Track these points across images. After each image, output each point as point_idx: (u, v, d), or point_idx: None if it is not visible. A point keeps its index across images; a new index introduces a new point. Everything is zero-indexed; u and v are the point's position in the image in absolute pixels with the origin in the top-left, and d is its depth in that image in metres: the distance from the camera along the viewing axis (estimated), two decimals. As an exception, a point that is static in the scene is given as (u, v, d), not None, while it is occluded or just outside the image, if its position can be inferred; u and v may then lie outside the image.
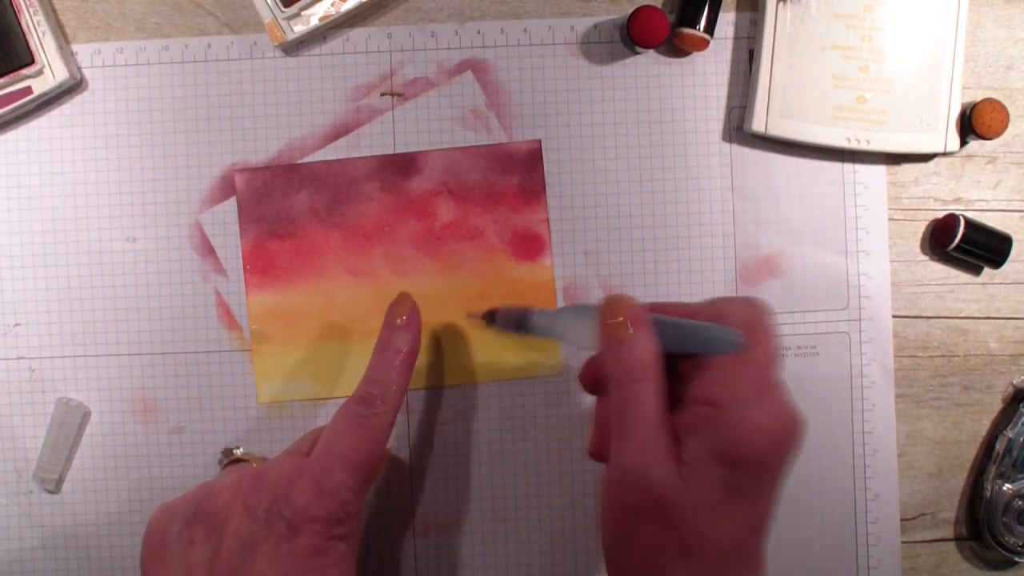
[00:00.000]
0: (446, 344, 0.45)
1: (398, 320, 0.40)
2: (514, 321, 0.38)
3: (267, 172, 0.45)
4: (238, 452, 0.44)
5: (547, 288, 0.46)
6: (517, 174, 0.45)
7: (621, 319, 0.33)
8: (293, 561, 0.34)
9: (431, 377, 0.46)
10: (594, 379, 0.37)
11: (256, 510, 0.35)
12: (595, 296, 0.46)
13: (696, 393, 0.33)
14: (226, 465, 0.43)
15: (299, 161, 0.46)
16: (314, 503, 0.35)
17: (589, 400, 0.46)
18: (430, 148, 0.46)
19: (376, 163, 0.45)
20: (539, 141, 0.46)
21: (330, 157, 0.46)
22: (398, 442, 0.46)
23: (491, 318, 0.39)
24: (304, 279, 0.45)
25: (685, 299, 0.46)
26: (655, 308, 0.35)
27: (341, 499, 0.35)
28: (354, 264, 0.45)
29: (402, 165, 0.45)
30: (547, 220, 0.46)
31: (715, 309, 0.35)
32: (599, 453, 0.36)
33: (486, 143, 0.46)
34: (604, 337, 0.34)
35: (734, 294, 0.46)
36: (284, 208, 0.45)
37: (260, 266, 0.45)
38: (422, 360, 0.45)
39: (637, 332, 0.33)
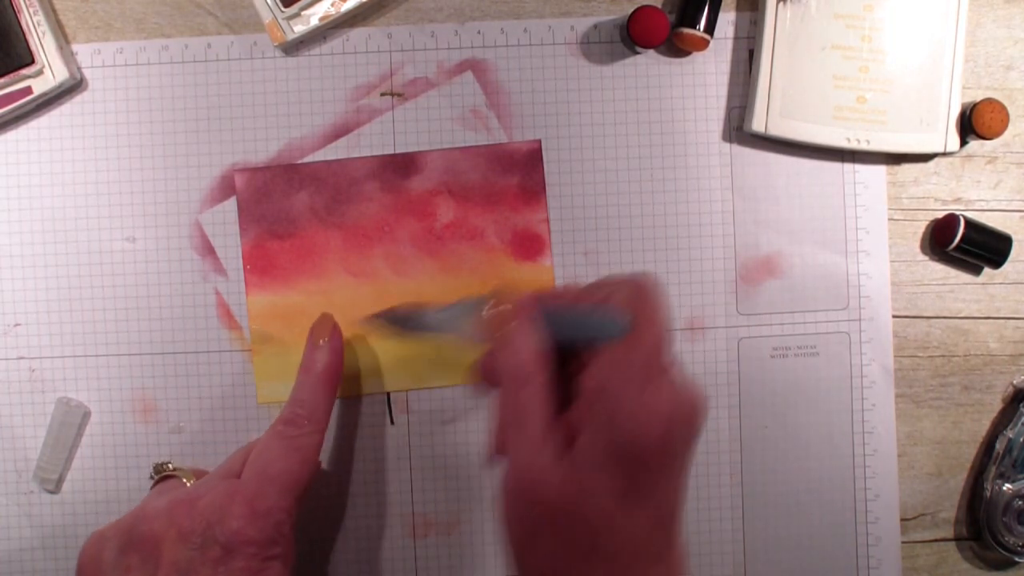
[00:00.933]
0: (445, 345, 0.45)
1: (320, 341, 0.41)
2: (401, 321, 0.38)
3: (267, 172, 0.45)
4: (169, 467, 0.42)
5: (547, 288, 0.46)
6: (517, 174, 0.45)
7: (502, 315, 0.32)
8: None
9: (430, 378, 0.46)
10: (488, 375, 0.35)
11: (191, 536, 0.35)
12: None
13: (586, 384, 0.31)
14: (157, 482, 0.42)
15: (299, 161, 0.46)
16: (248, 526, 0.35)
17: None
18: (430, 148, 0.46)
19: (376, 163, 0.45)
20: (539, 141, 0.46)
21: (330, 157, 0.46)
22: (399, 442, 0.46)
23: (388, 319, 0.39)
24: (304, 279, 0.45)
25: (684, 298, 0.46)
26: (540, 298, 0.34)
27: (275, 520, 0.36)
28: (354, 264, 0.45)
29: (402, 165, 0.45)
30: (547, 220, 0.46)
31: (600, 292, 0.33)
32: (501, 451, 0.33)
33: (486, 143, 0.46)
34: (488, 335, 0.33)
35: (737, 310, 0.46)
36: (284, 208, 0.45)
37: (260, 266, 0.45)
38: (421, 361, 0.45)
39: (520, 328, 0.32)
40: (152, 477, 0.43)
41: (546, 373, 0.32)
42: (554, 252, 0.46)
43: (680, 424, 0.30)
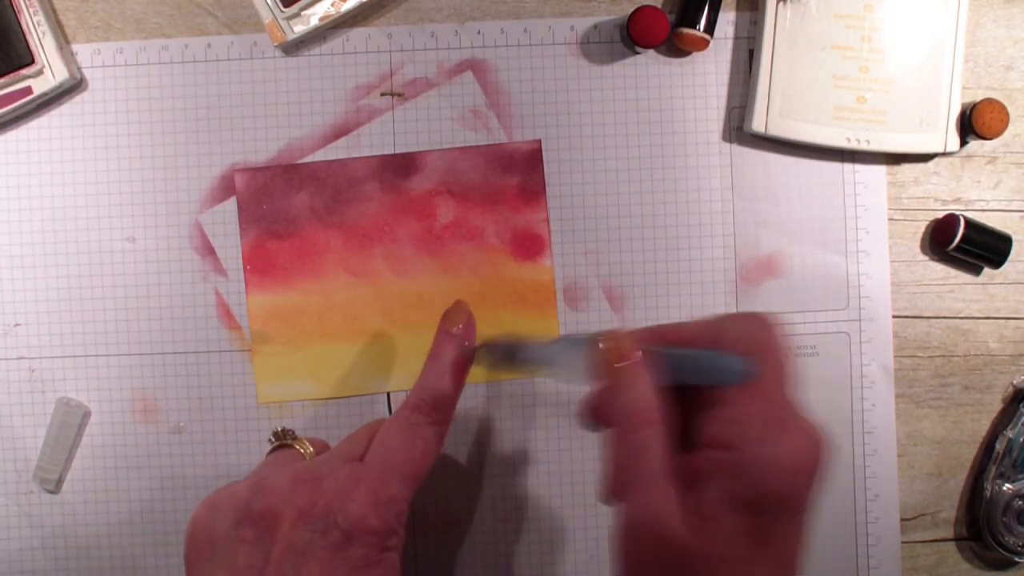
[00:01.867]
0: None
1: (453, 329, 0.39)
2: (503, 354, 0.37)
3: (267, 172, 0.45)
4: (291, 436, 0.40)
5: (547, 288, 0.46)
6: (517, 174, 0.45)
7: (616, 358, 0.31)
8: (347, 572, 0.33)
9: None
10: (596, 417, 0.34)
11: (311, 518, 0.34)
12: (595, 296, 0.46)
13: (708, 434, 0.31)
14: (275, 448, 0.40)
15: (299, 161, 0.46)
16: (371, 514, 0.34)
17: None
18: (430, 148, 0.46)
19: (376, 163, 0.45)
20: (539, 141, 0.46)
21: (330, 157, 0.46)
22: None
23: (489, 351, 0.38)
24: (304, 279, 0.45)
25: (684, 298, 0.46)
26: (652, 334, 0.33)
27: (397, 510, 0.35)
28: (354, 264, 0.45)
29: (402, 165, 0.45)
30: (547, 220, 0.46)
31: (718, 329, 0.33)
32: (618, 493, 0.32)
33: (486, 143, 0.46)
34: (600, 379, 0.32)
35: (736, 310, 0.46)
36: (284, 208, 0.45)
37: (260, 266, 0.45)
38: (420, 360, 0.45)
39: (635, 372, 0.31)
40: (271, 442, 0.41)
41: (663, 416, 0.31)
42: (554, 252, 0.46)
43: (808, 470, 0.30)
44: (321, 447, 0.40)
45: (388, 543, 0.34)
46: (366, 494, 0.34)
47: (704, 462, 0.30)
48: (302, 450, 0.39)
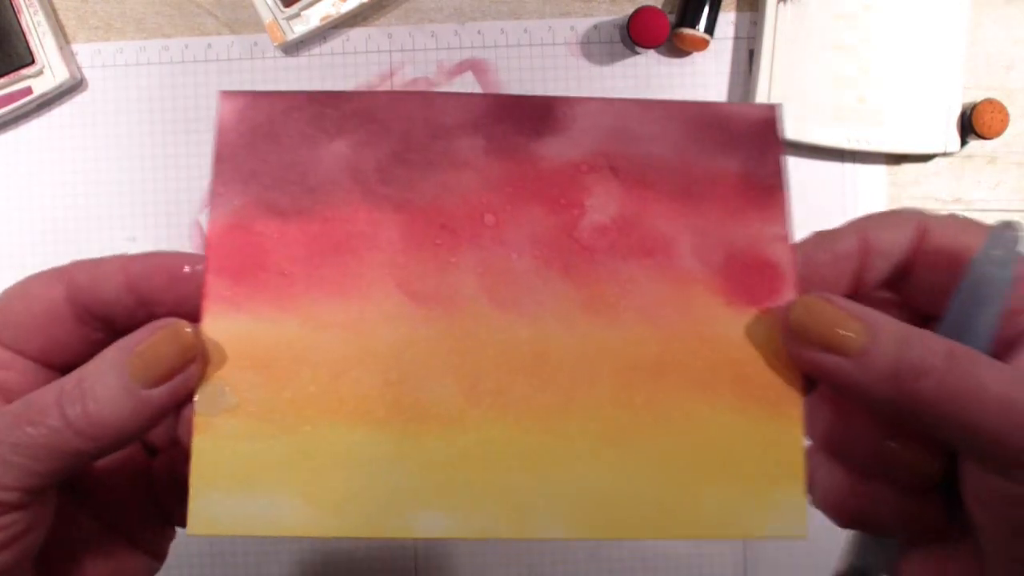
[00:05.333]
0: (578, 458, 0.23)
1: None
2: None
3: (280, 100, 0.24)
4: None
5: (786, 362, 0.24)
6: (738, 155, 0.26)
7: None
8: None
9: (534, 517, 0.22)
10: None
11: None
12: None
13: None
14: None
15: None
16: None
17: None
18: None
19: (485, 105, 0.25)
20: (775, 107, 0.27)
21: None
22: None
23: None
24: (320, 296, 0.24)
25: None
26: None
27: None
28: (418, 278, 0.24)
29: (534, 114, 0.25)
30: (786, 238, 0.27)
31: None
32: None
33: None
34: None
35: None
36: (300, 163, 0.24)
37: (236, 261, 0.23)
38: (524, 473, 0.23)
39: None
40: None
41: None
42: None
43: None
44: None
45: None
46: None
47: None
48: None
